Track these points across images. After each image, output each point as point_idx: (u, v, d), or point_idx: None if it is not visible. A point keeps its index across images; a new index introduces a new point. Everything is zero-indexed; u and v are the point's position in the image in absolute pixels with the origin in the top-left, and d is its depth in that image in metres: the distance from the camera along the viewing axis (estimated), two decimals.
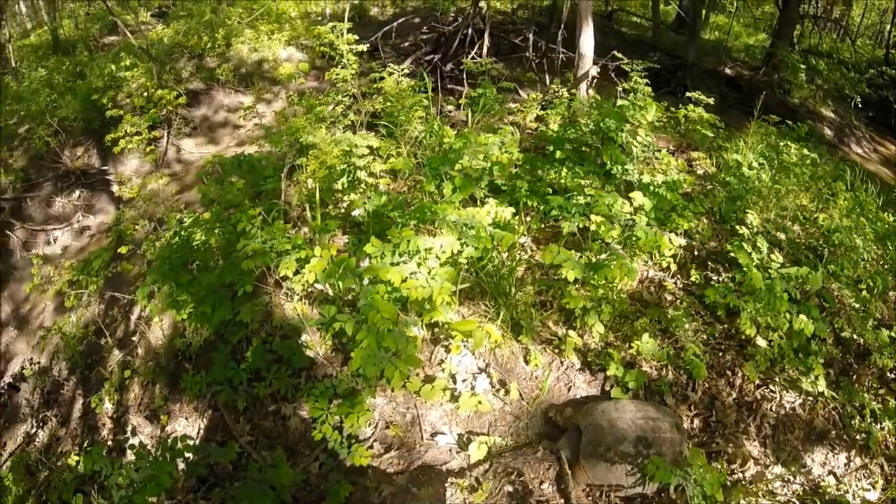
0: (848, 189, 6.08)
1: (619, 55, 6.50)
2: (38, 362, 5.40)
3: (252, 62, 8.95)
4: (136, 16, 10.22)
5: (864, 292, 4.32)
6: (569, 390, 3.49)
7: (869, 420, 3.73)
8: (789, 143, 5.52)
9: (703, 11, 10.05)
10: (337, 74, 5.17)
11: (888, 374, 4.06)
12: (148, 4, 12.18)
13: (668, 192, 3.79)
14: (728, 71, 10.03)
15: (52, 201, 6.95)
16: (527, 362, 3.54)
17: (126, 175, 7.06)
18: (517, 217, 3.85)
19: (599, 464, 2.97)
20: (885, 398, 3.91)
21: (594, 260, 3.17)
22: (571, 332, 3.57)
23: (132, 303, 5.08)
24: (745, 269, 3.48)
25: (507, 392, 3.38)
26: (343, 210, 4.50)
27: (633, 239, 3.35)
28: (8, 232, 6.56)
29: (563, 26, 7.43)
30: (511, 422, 3.35)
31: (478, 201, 3.88)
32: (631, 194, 3.62)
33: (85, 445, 4.42)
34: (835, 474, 3.60)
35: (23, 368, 5.47)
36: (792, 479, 3.45)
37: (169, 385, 4.27)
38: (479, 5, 7.97)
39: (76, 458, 3.96)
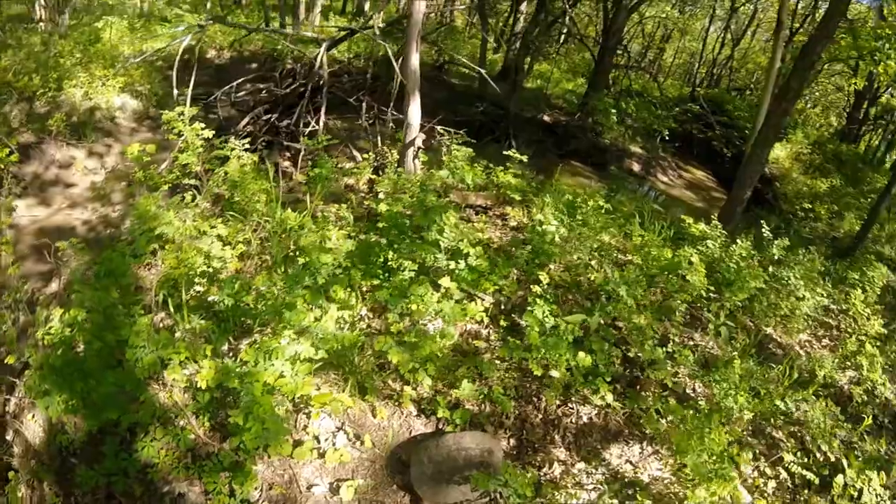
0: (641, 227, 8.39)
1: (441, 130, 8.21)
2: None
3: (85, 110, 9.48)
4: None
5: (642, 320, 6.31)
6: (410, 433, 5.02)
7: (655, 417, 5.47)
8: (585, 199, 7.58)
9: (528, 61, 12.31)
10: (183, 160, 6.33)
11: (670, 381, 5.77)
12: None
13: (471, 273, 5.55)
14: (546, 118, 12.38)
15: None
16: (374, 416, 5.02)
17: None
18: (354, 294, 5.37)
19: (442, 486, 4.47)
20: (668, 398, 5.84)
21: (413, 340, 4.83)
22: (407, 387, 5.14)
23: None
24: (529, 328, 5.28)
25: (363, 443, 4.84)
26: (199, 294, 5.65)
27: (444, 314, 5.05)
28: None
29: (392, 92, 9.09)
30: (369, 466, 4.78)
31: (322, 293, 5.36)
32: (440, 280, 5.33)
33: None
34: (631, 462, 5.29)
35: None
36: (594, 471, 5.12)
37: (58, 482, 4.95)
38: (317, 70, 9.40)
39: None
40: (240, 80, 10.40)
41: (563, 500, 4.73)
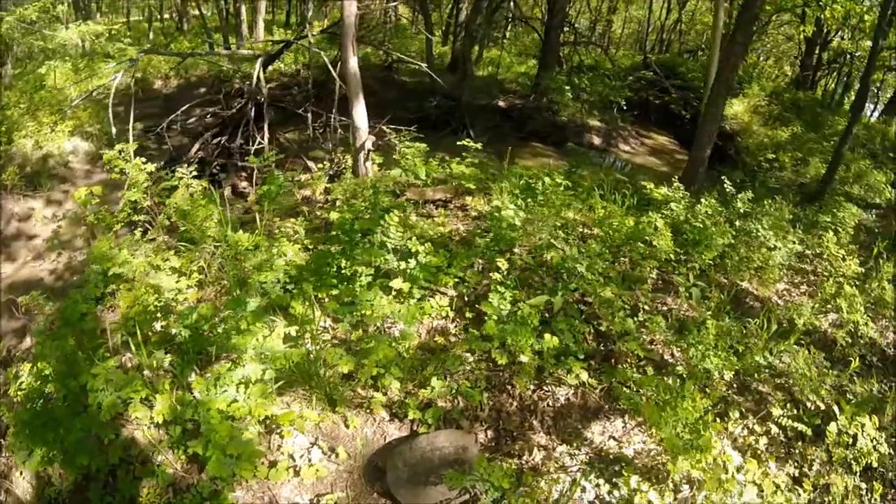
0: (602, 197, 8.33)
1: (389, 129, 8.13)
2: None
3: (37, 159, 9.41)
4: None
5: (608, 293, 6.24)
6: (384, 439, 4.92)
7: (634, 388, 5.40)
8: (541, 177, 7.51)
9: (476, 50, 12.28)
10: (130, 197, 6.25)
11: (643, 350, 5.69)
12: None
13: (422, 271, 5.46)
14: (501, 103, 12.34)
15: None
16: (347, 426, 4.91)
17: None
18: (311, 307, 5.26)
19: (420, 488, 4.37)
20: (645, 368, 5.78)
21: (367, 346, 4.73)
22: (376, 393, 5.04)
23: None
24: (487, 317, 5.19)
25: (338, 455, 4.72)
26: (161, 329, 5.56)
27: (398, 314, 4.94)
28: None
29: (338, 98, 9.00)
30: (347, 477, 4.67)
31: (276, 310, 5.26)
32: (392, 283, 5.22)
33: None
34: (614, 437, 5.23)
35: None
36: (577, 451, 5.09)
37: None
38: (255, 86, 9.28)
39: None
40: (185, 107, 10.28)
41: (546, 487, 4.65)
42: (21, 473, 5.25)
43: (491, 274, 5.94)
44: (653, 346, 5.95)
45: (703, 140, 10.47)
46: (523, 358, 5.27)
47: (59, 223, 8.56)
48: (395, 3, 12.69)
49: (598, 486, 4.74)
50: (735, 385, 5.65)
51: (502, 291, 5.40)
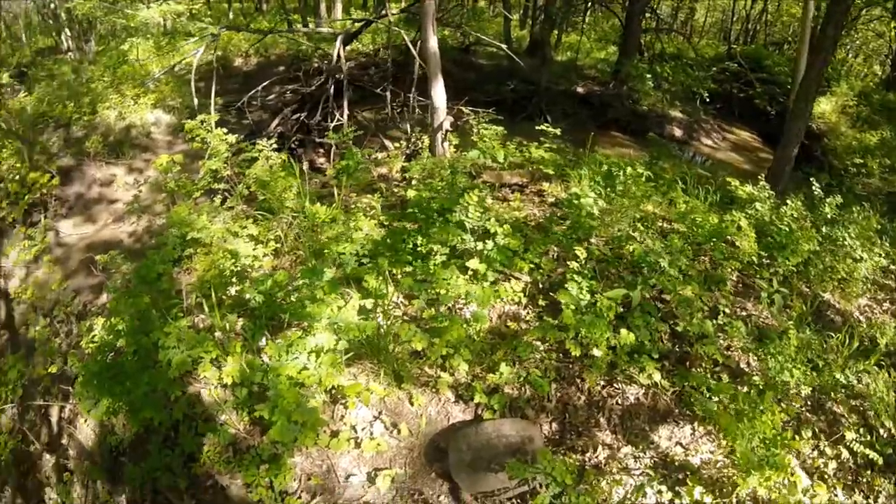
0: (684, 192, 7.94)
1: (466, 110, 7.92)
2: None
3: (120, 129, 9.76)
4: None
5: (689, 292, 5.93)
6: (448, 420, 4.82)
7: (707, 395, 5.14)
8: (622, 167, 7.20)
9: (555, 34, 11.95)
10: (211, 166, 6.34)
11: (721, 355, 5.40)
12: (6, 63, 12.66)
13: (499, 253, 5.29)
14: (580, 89, 11.97)
15: None
16: (411, 404, 4.84)
17: (9, 267, 7.59)
18: (384, 282, 5.17)
19: (479, 475, 4.27)
20: (720, 375, 5.48)
21: (441, 325, 4.60)
22: (443, 374, 4.93)
23: (48, 406, 5.87)
24: (564, 306, 4.99)
25: (399, 431, 4.66)
26: (235, 294, 5.63)
27: (473, 296, 4.79)
28: None
29: (417, 78, 8.88)
30: (406, 454, 4.61)
31: (350, 282, 5.20)
32: (469, 262, 5.07)
33: None
34: (681, 444, 5.00)
35: None
36: (642, 455, 4.86)
37: (110, 480, 5.14)
38: (335, 64, 9.26)
39: None
40: (265, 84, 10.41)
41: (608, 488, 4.46)
42: (85, 421, 5.54)
43: (568, 262, 5.74)
44: (730, 353, 5.63)
45: (790, 138, 9.87)
46: (596, 352, 5.06)
47: (140, 189, 8.81)
48: None
49: (659, 492, 4.50)
50: (810, 402, 5.30)
51: (579, 281, 5.18)
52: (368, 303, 4.84)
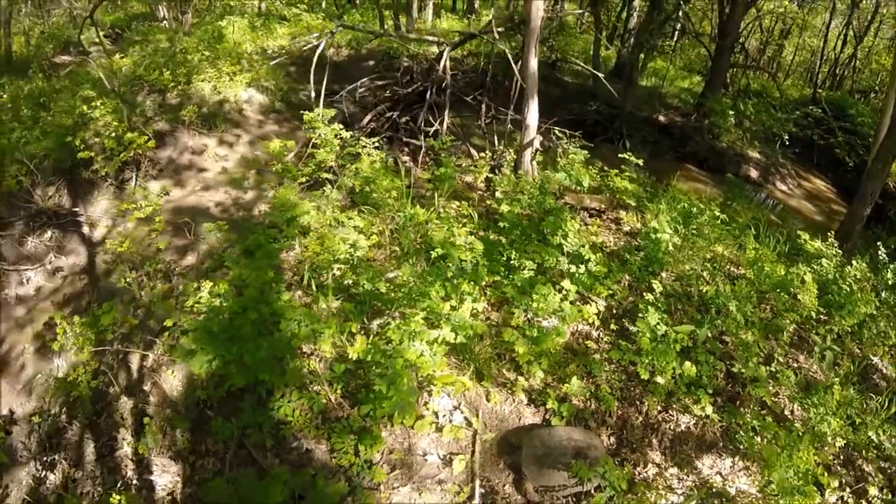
0: (756, 239, 8.51)
1: (558, 132, 8.60)
2: (41, 408, 6.48)
3: (214, 102, 10.41)
4: (100, 39, 11.38)
5: (749, 337, 6.48)
6: (519, 420, 5.63)
7: (749, 434, 5.78)
8: (702, 209, 7.81)
9: (641, 58, 12.45)
10: (321, 156, 7.19)
11: (770, 399, 6.06)
12: (102, 23, 13.53)
13: (589, 278, 6.07)
14: (662, 118, 12.44)
15: (25, 241, 7.91)
16: (488, 400, 5.65)
17: (96, 217, 8.22)
18: (478, 288, 5.99)
19: (546, 471, 5.06)
20: (765, 417, 6.11)
21: (535, 335, 5.41)
22: (520, 377, 5.75)
23: (128, 353, 6.43)
24: (641, 333, 5.74)
25: (476, 423, 5.48)
26: (336, 277, 6.40)
27: (563, 313, 5.59)
28: None
29: (512, 95, 9.53)
30: (480, 445, 5.42)
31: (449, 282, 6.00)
32: (562, 282, 5.87)
33: (116, 487, 5.68)
34: (721, 474, 5.65)
35: (12, 413, 6.57)
36: (685, 477, 5.54)
37: (191, 430, 5.82)
38: (440, 73, 9.95)
39: (117, 497, 5.36)
40: (363, 80, 11.07)
41: (653, 500, 5.20)
42: (172, 373, 6.23)
43: (641, 293, 6.50)
44: (777, 399, 6.23)
45: (864, 197, 10.18)
46: (660, 379, 5.78)
47: (231, 162, 9.55)
48: (568, 12, 13.05)
49: None
50: (842, 455, 5.89)
51: (652, 312, 5.92)
52: (479, 306, 5.68)
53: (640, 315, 6.04)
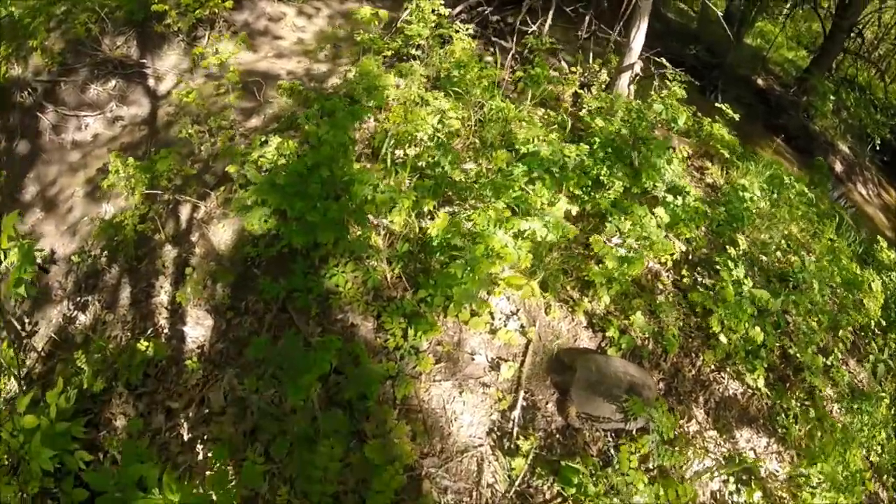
0: (835, 230, 8.26)
1: (665, 62, 8.22)
2: (75, 248, 6.52)
3: None
4: None
5: (814, 323, 6.28)
6: (574, 340, 5.49)
7: (791, 420, 5.72)
8: (792, 179, 7.51)
9: (753, 12, 11.87)
10: (417, 33, 6.87)
11: (816, 391, 5.99)
12: None
13: (684, 212, 5.82)
14: (760, 82, 11.96)
15: (87, 88, 7.77)
16: (547, 313, 5.48)
17: (163, 71, 8.11)
18: (556, 195, 5.75)
19: (594, 399, 4.93)
20: (809, 407, 5.96)
21: (622, 254, 5.22)
22: (584, 298, 5.58)
23: (178, 203, 6.39)
24: (724, 283, 5.54)
25: (531, 333, 5.33)
26: (414, 153, 6.11)
27: (649, 242, 5.37)
28: (39, 114, 7.52)
29: (616, 11, 9.10)
30: (531, 357, 5.29)
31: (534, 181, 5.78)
32: (655, 209, 5.63)
33: (146, 333, 5.65)
34: (755, 451, 5.59)
35: (53, 252, 6.62)
36: (722, 444, 5.46)
37: (233, 286, 5.74)
38: None
39: (145, 343, 5.36)
40: None
41: (690, 457, 5.17)
42: (223, 226, 6.12)
43: (715, 247, 6.34)
44: (822, 393, 6.14)
45: None
46: (723, 337, 5.63)
47: (308, 34, 9.24)
48: None
49: (725, 481, 5.23)
50: (883, 472, 5.93)
51: (732, 267, 5.74)
52: (574, 209, 5.45)
53: (719, 267, 5.86)
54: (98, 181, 6.68)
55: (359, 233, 5.32)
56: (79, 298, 6.20)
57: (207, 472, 4.75)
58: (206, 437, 5.05)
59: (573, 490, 4.58)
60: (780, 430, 5.73)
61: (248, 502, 4.68)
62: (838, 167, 11.57)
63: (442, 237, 4.90)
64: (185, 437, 5.06)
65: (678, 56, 10.33)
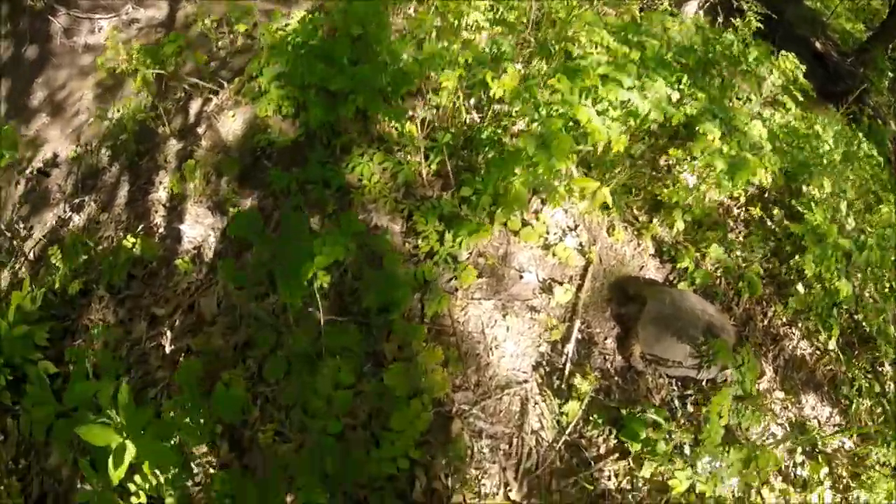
0: None
1: None
2: (77, 150, 6.05)
3: None
4: None
5: (887, 290, 5.61)
6: (640, 269, 4.66)
7: (855, 393, 5.05)
8: (864, 139, 6.86)
9: None
10: None
11: (878, 366, 5.34)
12: None
13: (780, 130, 5.02)
14: (818, 45, 11.38)
15: None
16: (609, 234, 4.65)
17: None
18: None
19: (664, 339, 4.10)
20: (871, 381, 5.36)
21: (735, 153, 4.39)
22: (654, 223, 4.73)
23: (191, 95, 5.82)
24: (816, 222, 4.82)
25: (591, 254, 4.47)
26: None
27: (742, 159, 4.53)
28: (50, 17, 7.02)
29: None
30: (590, 282, 4.43)
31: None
32: (750, 123, 4.80)
33: (136, 231, 4.98)
34: (819, 420, 4.92)
35: (55, 155, 6.16)
36: (789, 407, 4.76)
37: (240, 178, 5.03)
38: None
39: (132, 240, 4.65)
40: None
41: (758, 419, 4.40)
42: (233, 116, 5.45)
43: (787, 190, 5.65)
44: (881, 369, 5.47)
45: None
46: (800, 287, 4.90)
47: None
48: None
49: (791, 451, 4.50)
50: None
51: (815, 209, 5.00)
52: (675, 95, 4.49)
53: (801, 208, 5.11)
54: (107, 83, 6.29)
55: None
56: (76, 200, 5.65)
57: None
58: (190, 349, 4.28)
59: (638, 446, 3.77)
60: (842, 402, 5.08)
61: (233, 432, 3.88)
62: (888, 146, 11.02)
63: (512, 97, 3.98)
64: (168, 349, 4.32)
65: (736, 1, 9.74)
